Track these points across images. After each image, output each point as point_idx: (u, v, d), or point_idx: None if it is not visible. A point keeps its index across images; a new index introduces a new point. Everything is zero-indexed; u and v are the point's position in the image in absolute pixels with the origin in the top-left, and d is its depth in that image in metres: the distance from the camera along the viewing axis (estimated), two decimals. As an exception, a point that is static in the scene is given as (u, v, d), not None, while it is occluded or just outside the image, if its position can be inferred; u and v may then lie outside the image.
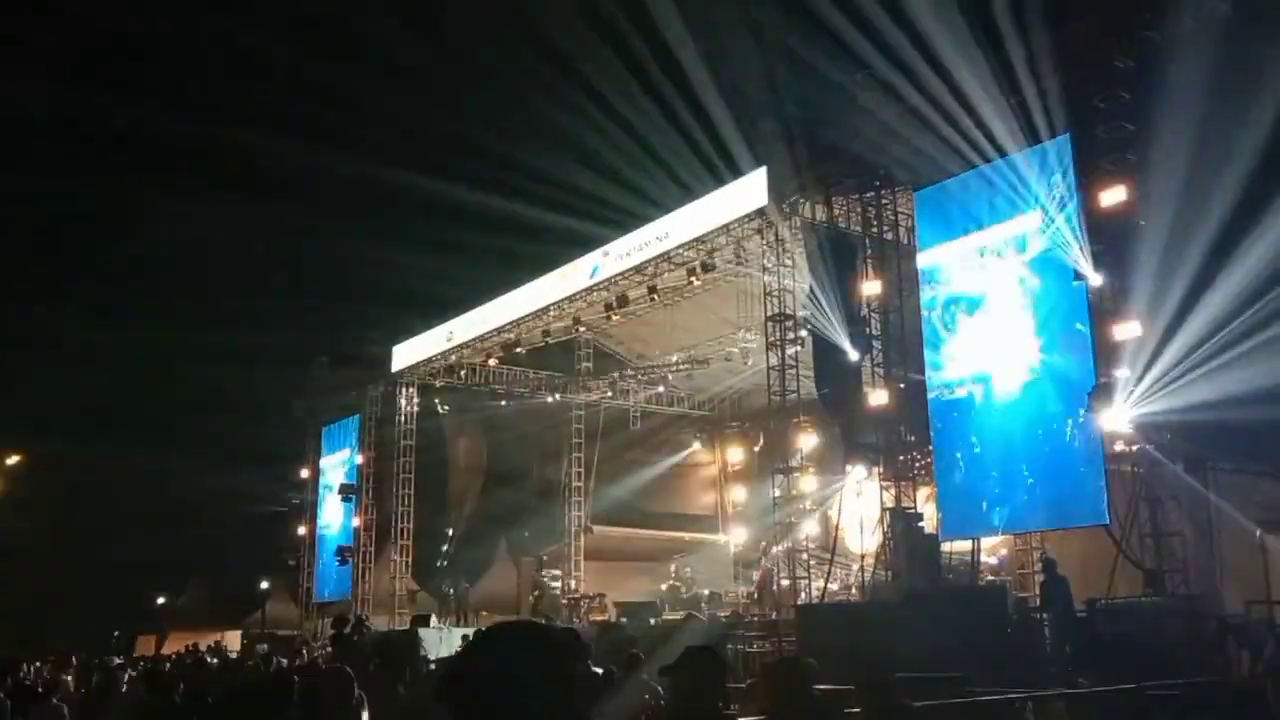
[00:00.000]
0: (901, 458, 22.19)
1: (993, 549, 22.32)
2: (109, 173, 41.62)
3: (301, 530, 41.31)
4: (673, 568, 30.66)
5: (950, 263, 20.65)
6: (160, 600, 45.35)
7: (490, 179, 34.44)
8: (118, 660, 21.66)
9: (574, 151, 33.50)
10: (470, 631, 27.89)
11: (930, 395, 20.76)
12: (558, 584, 34.37)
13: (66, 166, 42.46)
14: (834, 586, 24.05)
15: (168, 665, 21.11)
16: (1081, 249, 18.01)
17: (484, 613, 32.55)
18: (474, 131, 36.02)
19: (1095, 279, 18.02)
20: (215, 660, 24.69)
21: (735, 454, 37.03)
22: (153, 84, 40.01)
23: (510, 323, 31.29)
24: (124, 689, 14.83)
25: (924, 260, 21.23)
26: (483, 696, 2.60)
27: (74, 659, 20.83)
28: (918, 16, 20.20)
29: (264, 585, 42.15)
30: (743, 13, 24.53)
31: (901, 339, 22.10)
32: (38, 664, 21.29)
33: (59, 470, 41.13)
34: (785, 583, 22.81)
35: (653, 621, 24.99)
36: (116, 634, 36.21)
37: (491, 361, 33.81)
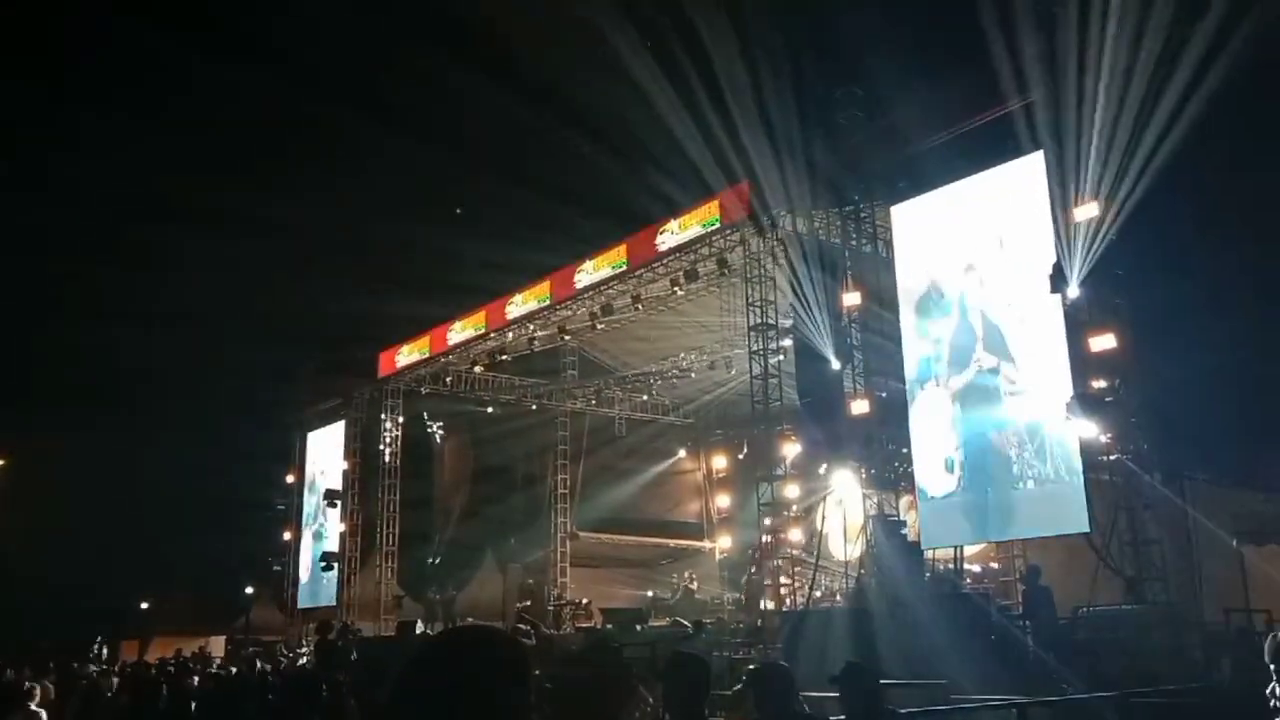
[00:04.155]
0: (884, 466, 22.38)
1: (975, 557, 22.48)
2: (98, 173, 41.38)
3: (287, 536, 41.26)
4: (688, 574, 30.83)
5: (928, 275, 20.84)
6: (144, 605, 45.20)
7: (477, 188, 34.52)
8: (95, 669, 21.62)
9: (561, 163, 33.67)
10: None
11: (911, 404, 20.93)
12: (544, 590, 34.52)
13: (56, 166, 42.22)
14: (818, 593, 24.19)
15: (152, 671, 21.09)
16: (1056, 261, 18.23)
17: (470, 619, 32.58)
18: (463, 141, 35.91)
19: (1073, 290, 18.24)
20: (199, 666, 24.69)
21: (719, 462, 37.24)
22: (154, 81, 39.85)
23: (496, 330, 31.43)
24: (107, 695, 14.87)
25: (902, 272, 21.41)
26: (434, 705, 2.49)
27: (54, 664, 20.75)
28: (898, 33, 20.50)
29: (249, 591, 42.07)
30: (728, 28, 24.72)
31: (882, 349, 22.28)
32: (14, 669, 21.16)
33: (41, 473, 40.98)
34: (770, 590, 22.95)
35: (639, 628, 25.10)
36: (99, 639, 36.01)
37: (477, 369, 33.93)
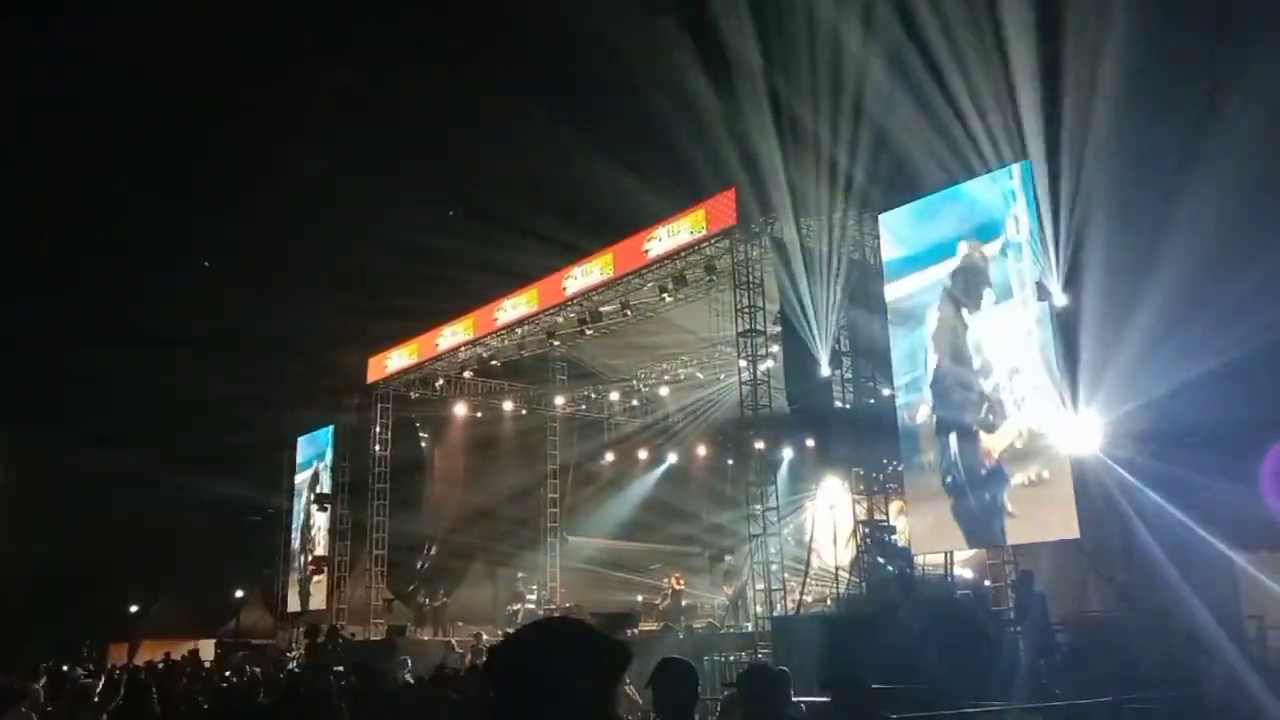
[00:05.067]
0: (873, 471, 22.38)
1: (966, 562, 22.49)
2: (94, 179, 41.40)
3: (276, 539, 41.18)
4: (675, 577, 30.86)
5: (915, 282, 20.85)
6: (133, 609, 45.05)
7: (466, 194, 34.52)
8: (84, 672, 21.53)
9: (549, 170, 33.70)
10: (453, 640, 28.04)
11: (900, 410, 20.94)
12: (534, 595, 34.48)
13: (54, 171, 42.16)
14: (809, 599, 24.18)
15: (143, 675, 21.04)
16: (1044, 269, 18.28)
17: (459, 623, 32.62)
18: (451, 147, 35.90)
19: (1061, 297, 18.29)
20: (189, 669, 24.61)
21: (709, 467, 37.18)
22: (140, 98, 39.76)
23: (485, 336, 31.40)
24: (96, 698, 14.81)
25: (889, 279, 21.43)
26: (530, 685, 2.53)
27: (44, 666, 20.65)
28: (884, 40, 20.60)
29: (238, 594, 41.98)
30: (714, 36, 24.79)
31: (871, 354, 22.31)
32: (4, 672, 21.07)
33: (31, 477, 40.87)
34: (760, 595, 22.91)
35: (629, 633, 25.08)
36: (88, 643, 35.90)
37: (466, 374, 33.92)
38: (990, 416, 19.09)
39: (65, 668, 21.05)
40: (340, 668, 19.84)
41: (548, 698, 2.51)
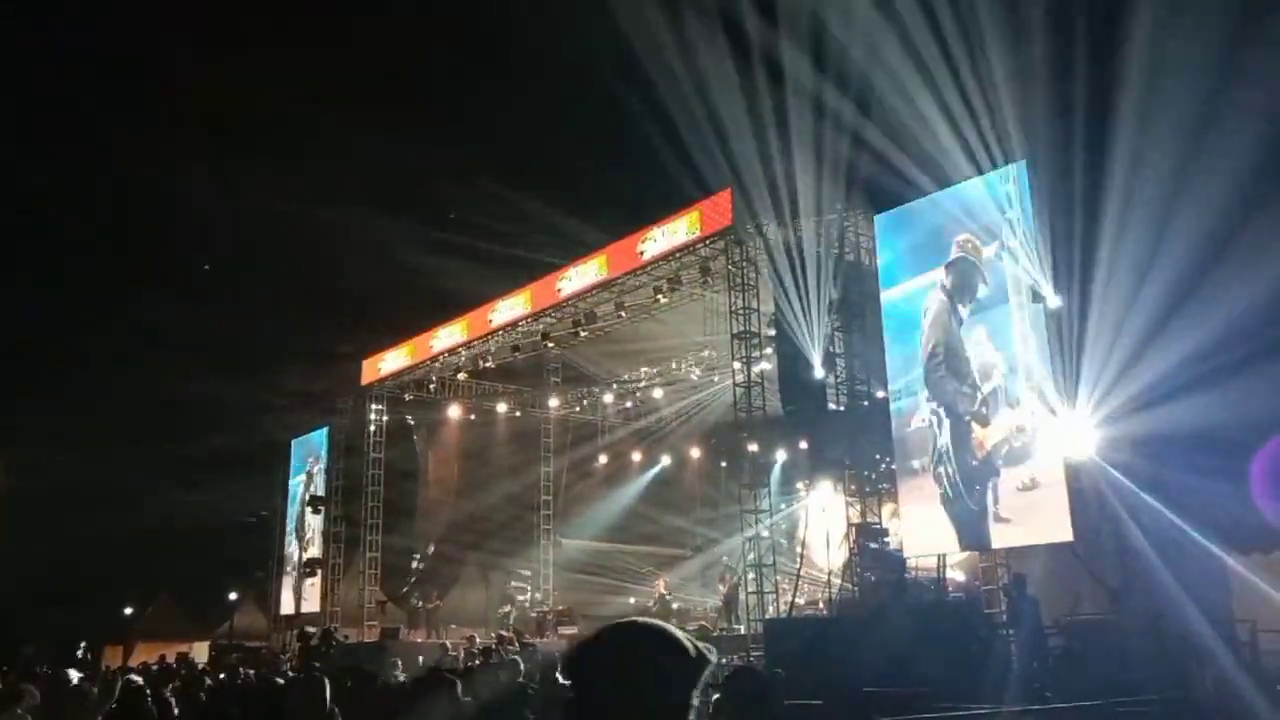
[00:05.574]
0: (867, 474, 22.37)
1: (959, 565, 22.47)
2: (94, 179, 41.37)
3: (271, 542, 41.15)
4: (663, 581, 30.84)
5: (910, 286, 20.84)
6: (127, 611, 45.00)
7: (460, 196, 34.48)
8: (78, 674, 21.49)
9: (544, 171, 33.66)
10: (447, 642, 27.98)
11: (894, 413, 20.92)
12: (527, 597, 34.47)
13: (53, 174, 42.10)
14: (801, 601, 24.15)
15: (139, 677, 20.98)
16: (1040, 272, 18.29)
17: (453, 625, 32.58)
18: (446, 149, 35.86)
19: (1054, 300, 18.30)
20: (183, 671, 24.58)
21: (703, 469, 37.17)
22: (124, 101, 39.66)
23: (479, 338, 31.38)
24: (91, 700, 14.80)
25: (885, 284, 21.42)
26: (614, 685, 2.49)
27: (40, 668, 20.65)
28: (880, 42, 20.62)
29: (233, 597, 41.96)
30: (712, 37, 24.78)
31: (865, 357, 22.32)
32: (3, 670, 21.08)
33: (25, 479, 40.82)
34: (752, 598, 22.88)
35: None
36: (83, 645, 35.87)
37: (461, 376, 33.89)
38: (984, 410, 19.10)
39: (62, 670, 21.03)
40: (333, 670, 19.79)
41: (632, 698, 2.48)
